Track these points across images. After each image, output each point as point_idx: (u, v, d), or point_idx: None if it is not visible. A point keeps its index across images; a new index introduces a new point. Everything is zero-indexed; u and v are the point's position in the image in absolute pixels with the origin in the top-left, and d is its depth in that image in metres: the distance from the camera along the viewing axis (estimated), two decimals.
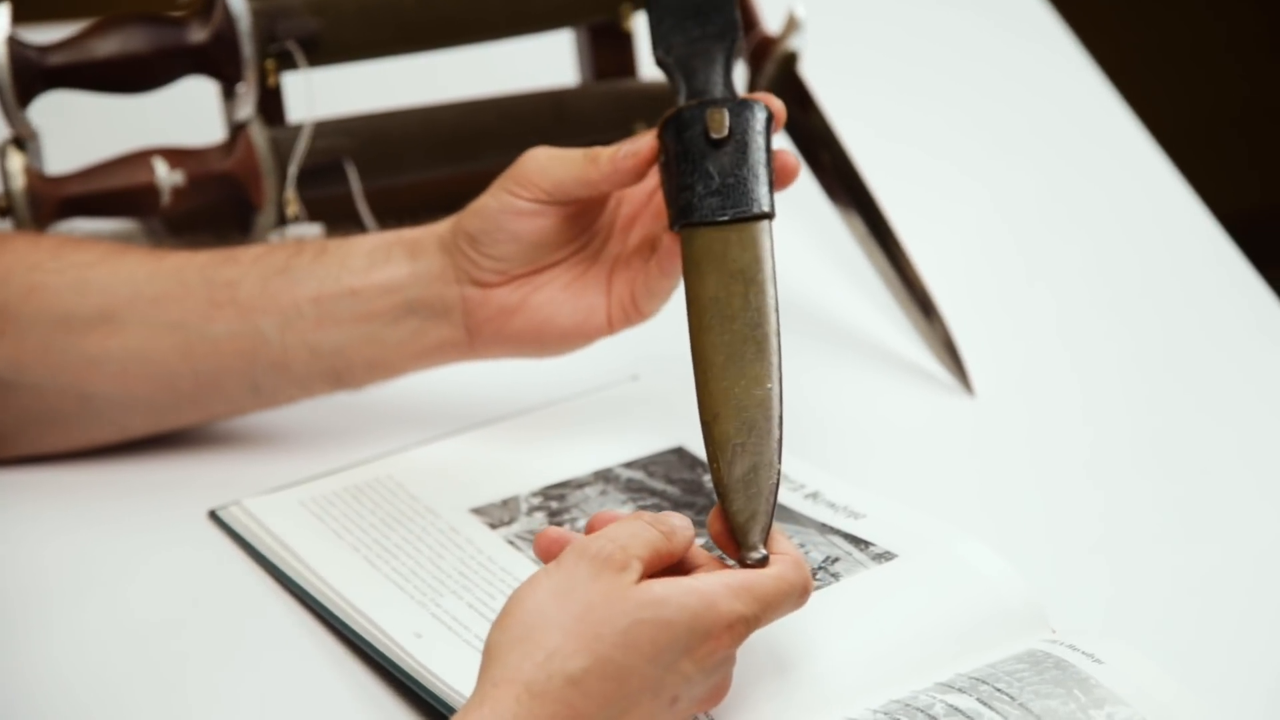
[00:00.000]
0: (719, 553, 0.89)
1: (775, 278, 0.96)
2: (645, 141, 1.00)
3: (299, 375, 1.06)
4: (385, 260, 1.04)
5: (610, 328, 1.05)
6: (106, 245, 1.06)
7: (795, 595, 0.87)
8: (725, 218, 0.97)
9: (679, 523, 0.87)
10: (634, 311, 1.04)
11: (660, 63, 1.04)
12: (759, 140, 0.99)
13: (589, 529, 0.88)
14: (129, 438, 1.08)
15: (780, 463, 0.89)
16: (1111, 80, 1.48)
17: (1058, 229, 1.32)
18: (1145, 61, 2.47)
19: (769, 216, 0.98)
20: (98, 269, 1.05)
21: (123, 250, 1.06)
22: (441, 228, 1.05)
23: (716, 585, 0.85)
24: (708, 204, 0.98)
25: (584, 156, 1.01)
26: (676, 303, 0.99)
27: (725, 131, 0.99)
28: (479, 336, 1.05)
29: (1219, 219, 1.31)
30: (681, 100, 1.02)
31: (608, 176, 1.00)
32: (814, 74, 1.28)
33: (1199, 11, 2.49)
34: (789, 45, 1.27)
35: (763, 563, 0.86)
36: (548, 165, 1.01)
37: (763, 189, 0.98)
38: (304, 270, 1.05)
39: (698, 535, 0.88)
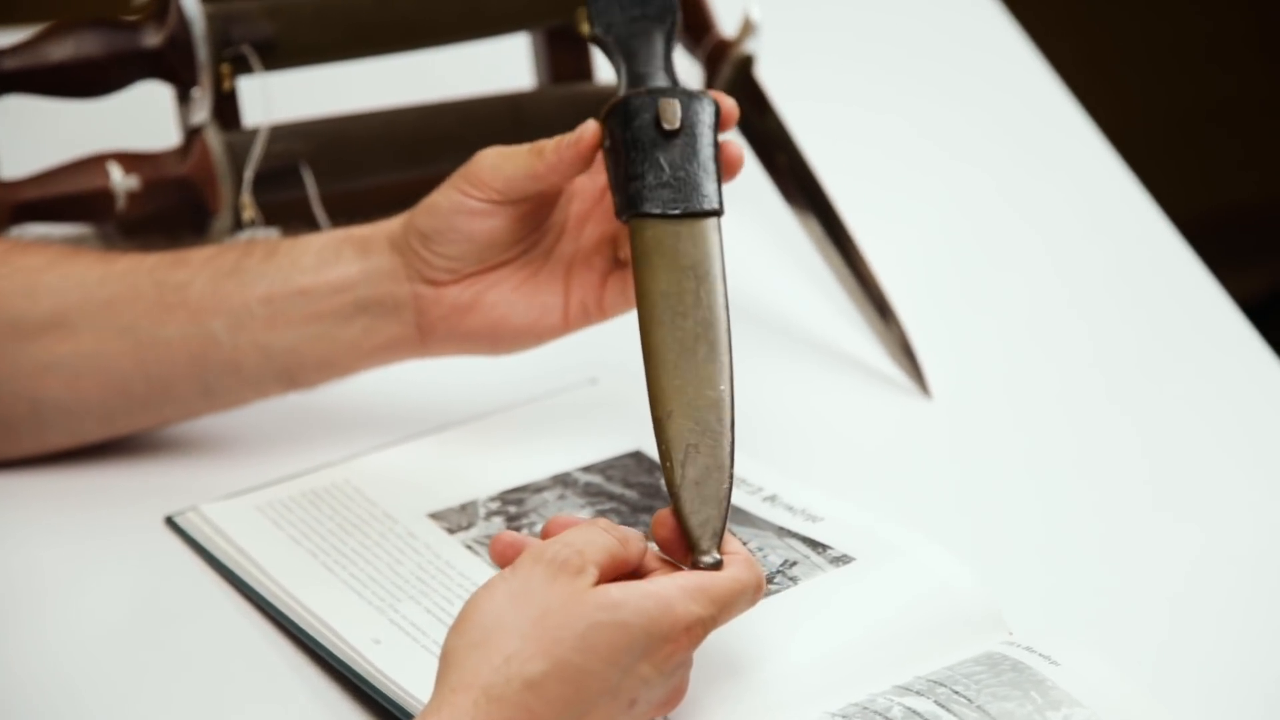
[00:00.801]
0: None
1: (725, 276, 0.96)
2: (588, 128, 1.00)
3: (251, 376, 1.05)
4: (335, 258, 1.04)
5: (566, 326, 1.05)
6: (57, 249, 1.06)
7: (749, 594, 0.87)
8: (677, 211, 0.97)
9: (632, 533, 0.87)
10: (596, 311, 1.04)
11: (598, 40, 1.03)
12: (708, 135, 0.99)
13: (544, 533, 0.88)
14: (81, 443, 1.07)
15: (733, 466, 0.89)
16: (1066, 82, 1.49)
17: (1013, 230, 1.32)
18: (1099, 63, 2.47)
19: (719, 213, 0.98)
20: (48, 273, 1.04)
21: (73, 254, 1.06)
22: (392, 225, 1.05)
23: (672, 588, 0.85)
24: (659, 195, 0.97)
25: (529, 150, 1.01)
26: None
27: (678, 123, 0.98)
28: (431, 335, 1.05)
29: (1173, 221, 1.32)
30: (621, 80, 1.02)
31: (553, 167, 1.01)
32: (769, 77, 1.28)
33: (1150, 13, 2.50)
34: (745, 48, 1.27)
35: (716, 566, 0.86)
36: (499, 163, 1.01)
37: (712, 185, 0.98)
38: (254, 270, 1.05)
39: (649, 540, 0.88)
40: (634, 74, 1.02)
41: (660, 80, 1.01)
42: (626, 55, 1.02)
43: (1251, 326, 1.21)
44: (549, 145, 1.01)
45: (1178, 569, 1.03)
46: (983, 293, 1.26)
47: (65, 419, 1.06)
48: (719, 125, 0.99)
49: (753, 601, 0.87)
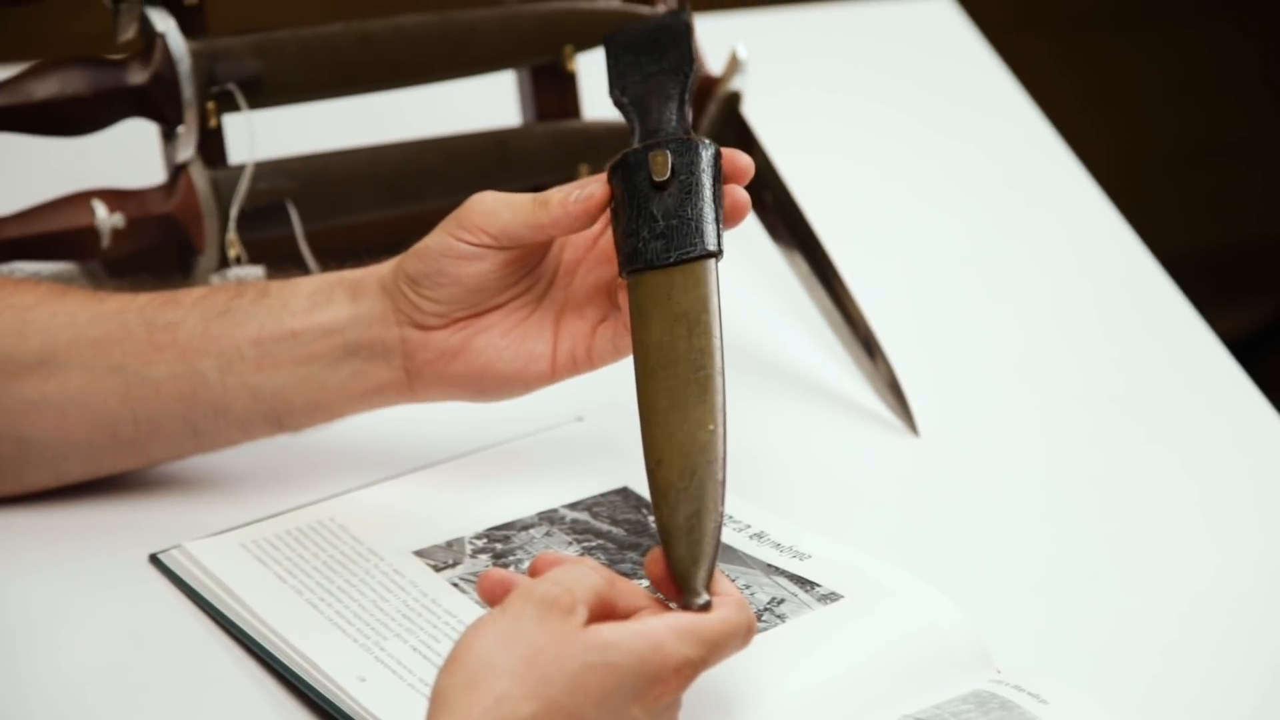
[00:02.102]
0: (660, 595, 0.89)
1: (720, 316, 0.96)
2: (597, 187, 1.00)
3: (239, 418, 1.05)
4: (326, 302, 1.04)
5: (554, 375, 1.04)
6: (46, 287, 1.06)
7: (740, 636, 0.87)
8: (670, 260, 0.97)
9: (618, 576, 0.87)
10: (584, 361, 1.04)
11: (617, 103, 1.03)
12: (704, 179, 0.99)
13: (532, 570, 0.88)
14: (66, 483, 1.07)
15: (723, 506, 0.89)
16: (1052, 121, 1.49)
17: (1000, 269, 1.33)
18: (1086, 102, 2.48)
19: (715, 255, 0.98)
20: (37, 311, 1.04)
21: (63, 292, 1.05)
22: (383, 269, 1.04)
23: (662, 629, 0.85)
24: (652, 248, 0.98)
25: (533, 201, 1.01)
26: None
27: (668, 174, 0.98)
28: (419, 379, 1.04)
29: (1170, 258, 1.32)
30: (635, 140, 1.02)
31: (557, 220, 1.00)
32: (756, 114, 1.28)
33: (1156, 48, 2.51)
34: (731, 85, 1.27)
35: (706, 608, 0.86)
36: (495, 208, 1.01)
37: (709, 228, 0.98)
38: (245, 312, 1.04)
39: (639, 579, 0.88)
40: (646, 130, 1.02)
41: (669, 132, 1.01)
42: (640, 113, 1.02)
43: (1238, 364, 1.21)
44: (555, 197, 1.00)
45: (1167, 607, 1.03)
46: (970, 331, 1.26)
47: (51, 458, 1.05)
48: (719, 166, 0.99)
49: (744, 644, 0.87)
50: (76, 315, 1.04)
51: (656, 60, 1.04)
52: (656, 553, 0.89)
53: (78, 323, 1.04)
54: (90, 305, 1.05)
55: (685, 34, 1.04)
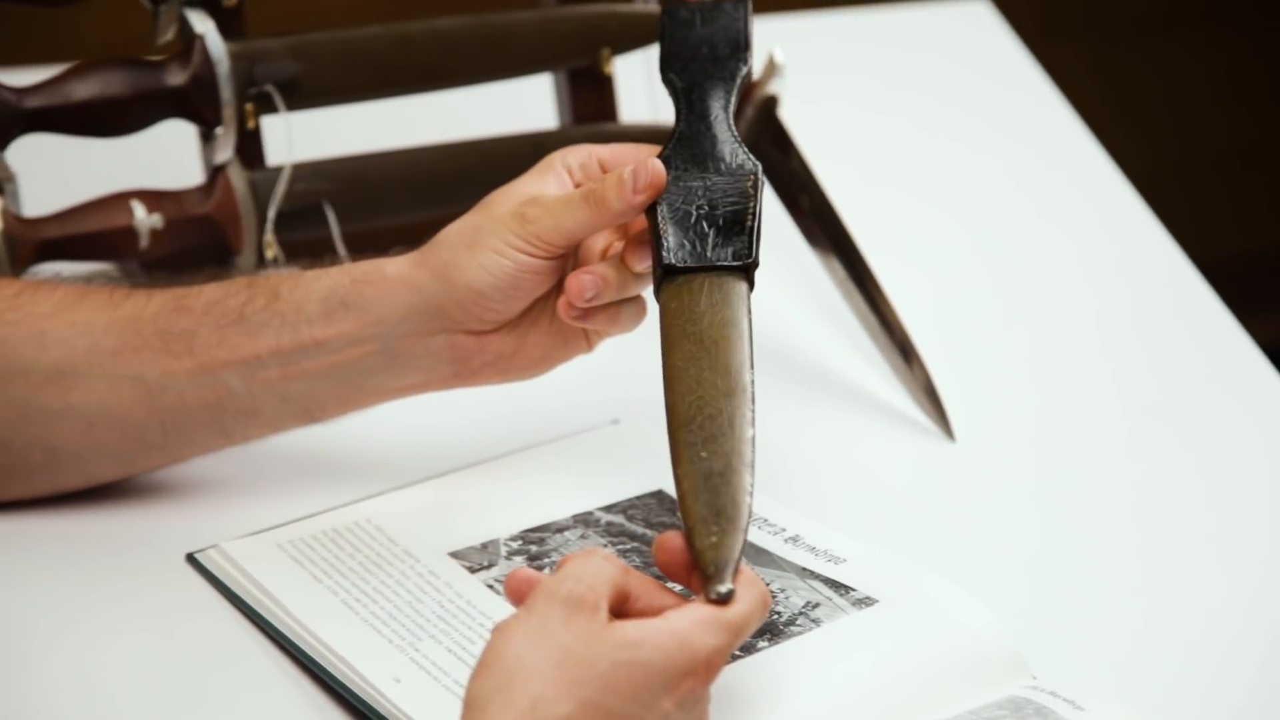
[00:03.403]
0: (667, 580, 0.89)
1: (750, 324, 0.95)
2: (654, 172, 0.98)
3: (269, 418, 1.05)
4: (343, 307, 1.02)
5: (590, 347, 1.04)
6: (64, 291, 1.04)
7: (759, 612, 0.87)
8: (697, 265, 0.97)
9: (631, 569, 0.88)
10: (614, 331, 1.03)
11: (666, 83, 1.03)
12: (742, 189, 0.99)
13: (557, 571, 0.88)
14: (98, 484, 1.07)
15: (751, 501, 0.89)
16: (1090, 124, 1.49)
17: (1037, 273, 1.32)
18: (1123, 106, 2.48)
19: (749, 268, 0.97)
20: (54, 319, 1.03)
21: (80, 297, 1.04)
22: (401, 268, 1.02)
23: (687, 622, 0.85)
24: (682, 252, 0.98)
25: (583, 200, 0.99)
26: (657, 343, 0.98)
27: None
28: (471, 377, 1.03)
29: (1197, 265, 1.31)
30: (679, 123, 1.01)
31: (620, 214, 0.98)
32: (793, 117, 1.28)
33: (1182, 56, 2.51)
34: (769, 89, 1.27)
35: (729, 597, 0.86)
36: (558, 216, 0.99)
37: (744, 245, 0.97)
38: (257, 320, 1.03)
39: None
40: (693, 116, 1.01)
41: (719, 128, 1.01)
42: (688, 99, 1.02)
43: (1276, 371, 1.21)
44: (610, 192, 0.98)
45: (1204, 615, 1.03)
46: (1006, 335, 1.26)
47: (80, 464, 1.05)
48: (759, 181, 0.99)
49: (763, 618, 0.87)
50: (93, 324, 1.03)
51: (710, 45, 1.03)
52: (665, 538, 0.89)
53: (94, 332, 1.03)
54: (106, 313, 1.03)
55: (742, 21, 1.04)
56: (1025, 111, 1.51)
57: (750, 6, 1.06)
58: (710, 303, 0.96)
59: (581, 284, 0.99)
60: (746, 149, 1.00)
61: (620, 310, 1.01)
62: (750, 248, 0.98)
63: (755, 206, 0.99)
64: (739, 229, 0.98)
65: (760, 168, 0.99)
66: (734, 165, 1.00)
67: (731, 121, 1.02)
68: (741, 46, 1.03)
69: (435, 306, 1.01)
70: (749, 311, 0.96)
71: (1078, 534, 1.09)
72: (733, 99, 1.02)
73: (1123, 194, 1.40)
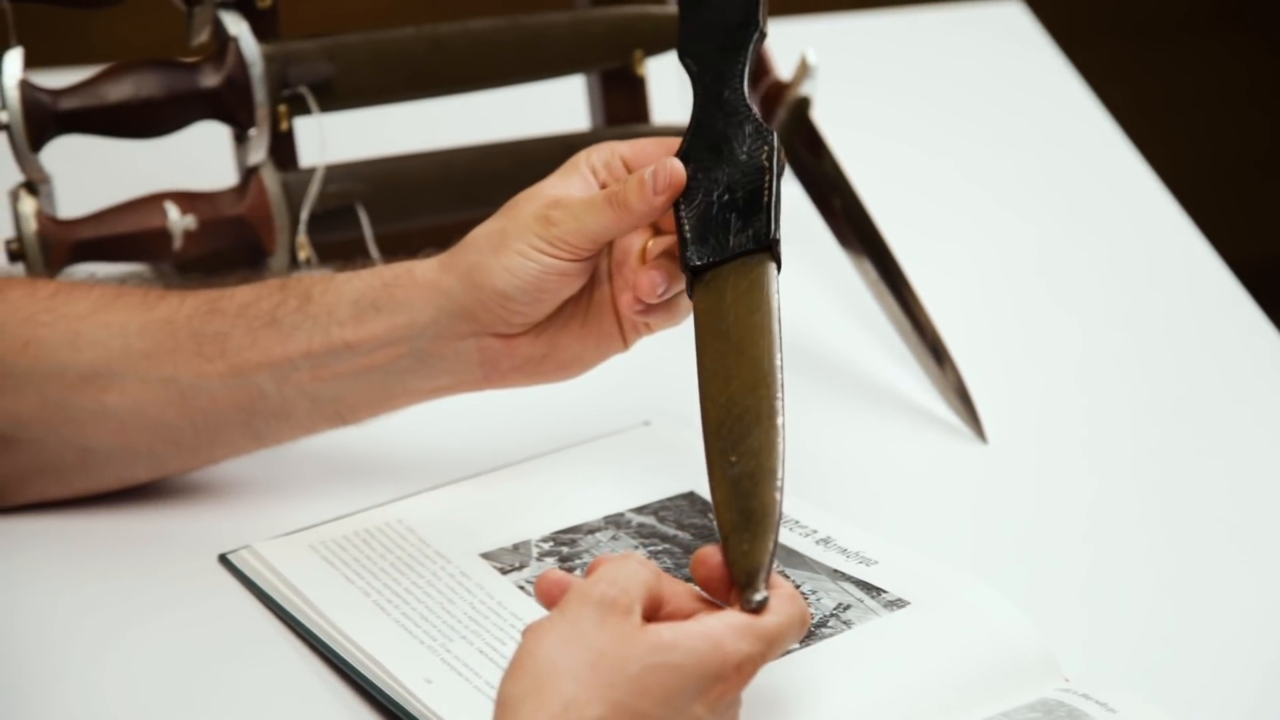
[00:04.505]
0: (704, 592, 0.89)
1: (778, 304, 0.95)
2: (675, 172, 0.97)
3: (301, 420, 1.05)
4: (374, 309, 1.02)
5: (627, 345, 1.04)
6: (99, 292, 1.05)
7: (796, 628, 0.87)
8: (719, 259, 0.96)
9: (664, 575, 0.88)
10: (645, 328, 1.03)
11: (685, 67, 1.03)
12: (760, 173, 0.98)
13: (589, 574, 0.88)
14: (131, 485, 1.07)
15: (781, 507, 0.89)
16: (1123, 125, 1.49)
17: (1071, 275, 1.32)
18: (1159, 107, 2.47)
19: (770, 249, 0.96)
20: (89, 321, 1.03)
21: (115, 298, 1.04)
22: (429, 271, 1.02)
23: (721, 627, 0.85)
24: (705, 249, 0.97)
25: (606, 202, 0.98)
26: (688, 343, 0.98)
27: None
28: (501, 379, 1.03)
29: (1232, 267, 1.31)
30: (696, 103, 1.00)
31: (644, 216, 0.98)
32: (825, 119, 1.28)
33: (1219, 57, 2.50)
34: (801, 90, 1.27)
35: (763, 605, 0.86)
36: (581, 218, 0.99)
37: (762, 224, 0.97)
38: (289, 322, 1.03)
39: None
40: (708, 98, 1.00)
41: (733, 106, 1.00)
42: (704, 83, 1.01)
43: None
44: (632, 194, 0.98)
45: (1239, 619, 1.02)
46: (1039, 336, 1.26)
47: (114, 465, 1.06)
48: (777, 160, 0.98)
49: (799, 635, 0.87)
50: (127, 325, 1.03)
51: (723, 17, 1.02)
52: (703, 552, 0.88)
53: (128, 334, 1.03)
54: (139, 314, 1.04)
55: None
56: (1058, 113, 1.51)
57: None
58: (736, 294, 0.96)
59: (653, 280, 0.99)
60: (761, 122, 0.99)
61: (678, 302, 1.01)
62: (769, 226, 0.96)
63: (771, 180, 0.97)
64: (757, 208, 0.97)
65: (775, 136, 0.98)
66: (749, 143, 0.98)
67: (746, 94, 1.00)
68: (753, 11, 1.02)
69: (462, 309, 1.01)
70: (776, 291, 0.95)
71: (1110, 536, 1.08)
72: (747, 69, 1.00)
73: (1156, 196, 1.39)
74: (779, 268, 0.96)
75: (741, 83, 1.00)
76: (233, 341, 1.03)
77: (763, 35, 1.01)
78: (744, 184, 0.97)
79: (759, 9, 1.02)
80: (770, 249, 0.96)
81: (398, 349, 1.03)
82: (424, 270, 1.02)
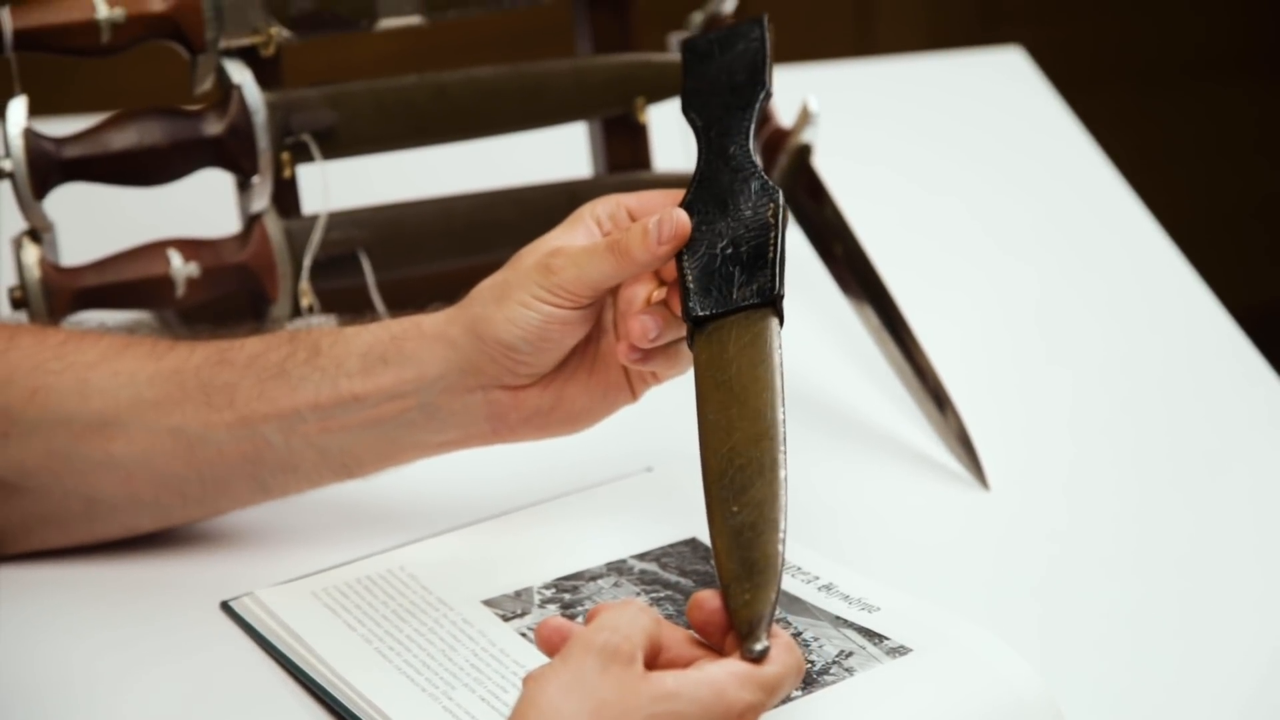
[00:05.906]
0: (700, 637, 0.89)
1: (780, 358, 0.95)
2: (678, 223, 0.98)
3: (307, 473, 1.05)
4: (382, 363, 1.02)
5: (635, 397, 1.04)
6: (108, 342, 1.05)
7: (793, 676, 0.87)
8: (720, 310, 0.97)
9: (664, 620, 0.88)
10: (653, 378, 1.03)
11: (688, 121, 1.03)
12: (766, 231, 0.98)
13: (589, 620, 0.88)
14: (135, 534, 1.07)
15: (783, 556, 0.89)
16: (1124, 172, 1.49)
17: (1072, 322, 1.32)
18: (1159, 153, 2.48)
19: (772, 303, 0.97)
20: (98, 370, 1.04)
21: (124, 348, 1.04)
22: (438, 324, 1.02)
23: (724, 676, 0.85)
24: (708, 300, 0.97)
25: (608, 251, 0.99)
26: (690, 389, 0.98)
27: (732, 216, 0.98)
28: (510, 433, 1.03)
29: (1233, 313, 1.31)
30: (700, 158, 1.01)
31: (647, 265, 0.98)
32: (827, 166, 1.28)
33: (1220, 103, 2.51)
34: (802, 137, 1.28)
35: (765, 655, 0.86)
36: (582, 267, 0.99)
37: (766, 278, 0.97)
38: (298, 374, 1.03)
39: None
40: (713, 153, 1.00)
41: (739, 162, 1.00)
42: (708, 139, 1.01)
43: None
44: (634, 244, 0.98)
45: (1242, 670, 1.02)
46: (1041, 383, 1.26)
47: (120, 515, 1.06)
48: (782, 216, 0.99)
49: (796, 683, 0.87)
50: (136, 375, 1.04)
51: (729, 74, 1.03)
52: (700, 598, 0.88)
53: (137, 383, 1.03)
54: (149, 364, 1.04)
55: (759, 41, 1.03)
56: (1059, 159, 1.51)
57: (767, 24, 1.05)
58: (739, 347, 0.96)
59: (644, 325, 0.99)
60: (766, 178, 0.99)
61: (679, 350, 1.01)
62: (774, 281, 0.97)
63: (777, 236, 0.98)
64: (762, 263, 0.97)
65: (781, 194, 0.99)
66: (754, 199, 0.99)
67: (753, 150, 1.01)
68: (759, 69, 1.02)
69: (469, 362, 1.01)
70: (779, 346, 0.96)
71: (1112, 583, 1.08)
72: (753, 126, 1.01)
73: (1156, 241, 1.40)
74: (781, 322, 0.96)
75: (748, 139, 1.01)
76: (241, 392, 1.03)
77: (769, 95, 1.02)
78: (749, 239, 0.98)
79: (765, 67, 1.02)
80: (774, 304, 0.97)
81: (406, 402, 1.03)
82: (431, 324, 1.02)
